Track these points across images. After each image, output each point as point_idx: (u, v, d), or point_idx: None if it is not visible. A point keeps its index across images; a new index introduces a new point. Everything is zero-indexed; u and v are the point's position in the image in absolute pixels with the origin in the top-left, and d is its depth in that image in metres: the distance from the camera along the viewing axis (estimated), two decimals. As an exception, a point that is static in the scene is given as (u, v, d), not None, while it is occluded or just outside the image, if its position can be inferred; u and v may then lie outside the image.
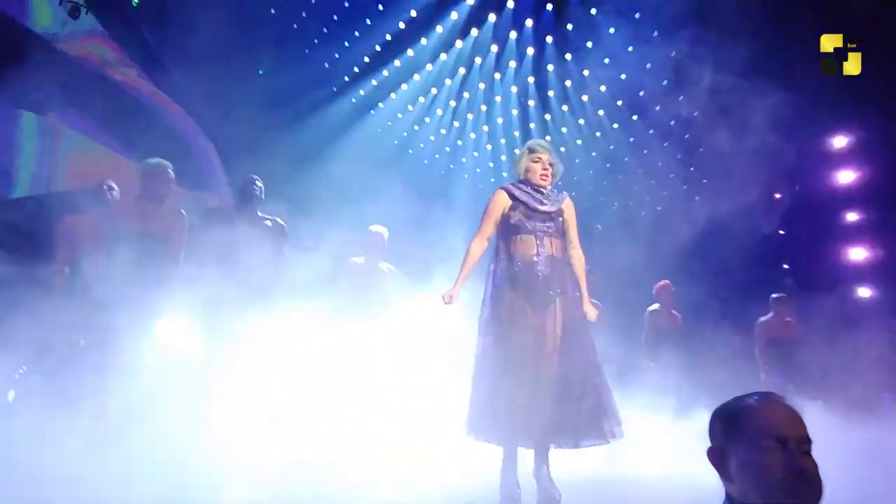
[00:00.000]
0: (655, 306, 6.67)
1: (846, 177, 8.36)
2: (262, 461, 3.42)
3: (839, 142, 8.37)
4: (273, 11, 9.56)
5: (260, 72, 9.81)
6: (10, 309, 3.67)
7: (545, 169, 3.24)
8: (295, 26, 9.79)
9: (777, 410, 1.35)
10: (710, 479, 1.44)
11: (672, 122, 10.43)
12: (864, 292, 7.97)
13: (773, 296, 6.58)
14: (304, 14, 9.60)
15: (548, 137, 11.19)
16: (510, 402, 2.92)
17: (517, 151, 3.46)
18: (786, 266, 9.04)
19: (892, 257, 7.80)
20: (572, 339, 3.07)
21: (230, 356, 4.11)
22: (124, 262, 3.71)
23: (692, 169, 10.46)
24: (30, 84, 5.26)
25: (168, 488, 2.99)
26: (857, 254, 8.18)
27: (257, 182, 4.60)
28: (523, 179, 3.29)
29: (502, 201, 3.23)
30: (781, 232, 9.22)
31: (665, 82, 9.97)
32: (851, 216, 8.35)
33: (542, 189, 3.24)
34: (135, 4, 6.78)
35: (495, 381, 2.98)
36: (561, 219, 3.23)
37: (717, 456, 1.36)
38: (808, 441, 1.32)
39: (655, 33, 9.26)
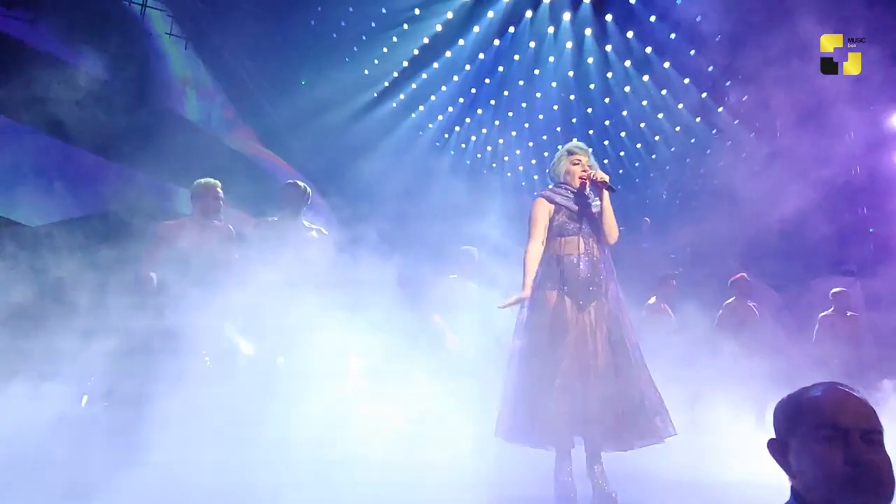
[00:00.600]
0: (731, 300, 6.41)
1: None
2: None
3: None
4: (313, 23, 9.80)
5: (303, 82, 10.07)
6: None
7: (584, 171, 3.22)
8: (335, 35, 9.99)
9: (840, 399, 1.25)
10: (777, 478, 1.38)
11: (720, 110, 10.12)
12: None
13: (833, 291, 6.36)
14: (343, 23, 9.79)
15: (590, 132, 11.06)
16: (558, 404, 2.89)
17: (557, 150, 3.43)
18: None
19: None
20: (616, 338, 3.03)
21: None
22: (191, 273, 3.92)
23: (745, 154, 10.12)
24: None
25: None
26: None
27: (301, 186, 4.67)
28: (562, 182, 3.27)
29: (544, 208, 3.22)
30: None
31: (710, 68, 9.70)
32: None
33: (583, 191, 3.23)
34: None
35: (539, 383, 2.96)
36: (601, 218, 3.20)
37: (777, 448, 1.30)
38: (878, 432, 1.21)
39: (698, 18, 9.01)
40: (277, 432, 3.78)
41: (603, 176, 3.14)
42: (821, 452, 1.19)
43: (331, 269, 4.30)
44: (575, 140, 3.45)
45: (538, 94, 11.16)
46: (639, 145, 11.54)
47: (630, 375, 2.98)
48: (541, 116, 11.61)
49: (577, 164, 3.25)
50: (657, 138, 11.16)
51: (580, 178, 3.21)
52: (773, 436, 1.33)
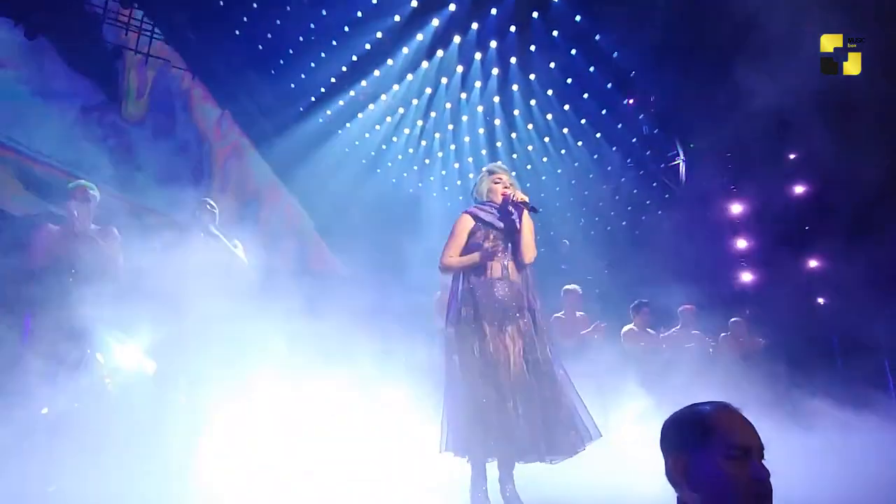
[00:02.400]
0: (675, 328, 6.83)
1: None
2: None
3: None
4: (238, 33, 9.55)
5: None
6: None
7: (506, 188, 3.33)
8: (260, 47, 9.77)
9: (739, 419, 1.38)
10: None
11: (634, 140, 10.75)
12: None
13: (732, 320, 6.98)
14: (269, 35, 9.60)
15: (514, 155, 11.38)
16: (483, 419, 2.93)
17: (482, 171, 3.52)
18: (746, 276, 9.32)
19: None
20: (535, 356, 3.11)
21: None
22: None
23: (654, 185, 10.76)
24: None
25: None
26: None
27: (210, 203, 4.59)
28: (486, 201, 3.35)
29: (467, 223, 3.29)
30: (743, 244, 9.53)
31: (627, 101, 10.31)
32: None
33: (506, 209, 3.32)
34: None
35: (466, 398, 3.00)
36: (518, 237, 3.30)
37: (676, 465, 1.37)
38: (764, 449, 1.35)
39: (615, 54, 9.56)
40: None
41: (523, 196, 3.24)
42: (729, 468, 1.30)
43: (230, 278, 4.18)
44: (496, 162, 3.57)
45: (464, 118, 11.37)
46: (559, 171, 11.99)
47: (545, 392, 3.06)
48: (467, 139, 11.83)
49: (499, 182, 3.36)
50: (576, 164, 11.64)
51: (502, 194, 3.29)
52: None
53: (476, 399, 2.98)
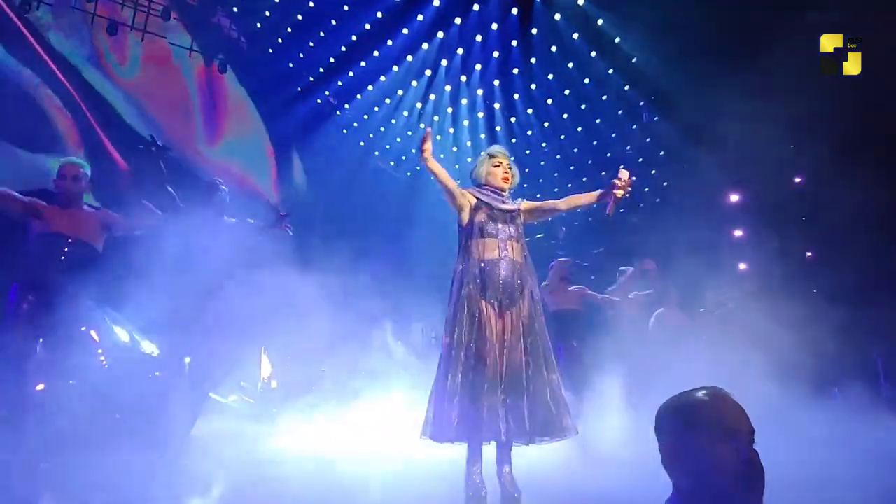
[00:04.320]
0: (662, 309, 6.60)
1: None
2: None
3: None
4: (235, 10, 9.44)
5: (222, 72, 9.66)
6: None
7: (506, 172, 3.34)
8: (258, 25, 9.66)
9: (733, 404, 1.43)
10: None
11: (634, 126, 10.70)
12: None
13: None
14: (267, 13, 9.48)
15: (513, 140, 11.33)
16: (475, 400, 2.95)
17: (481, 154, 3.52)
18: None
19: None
20: (532, 339, 3.13)
21: None
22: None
23: (653, 171, 10.73)
24: None
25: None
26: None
27: (222, 186, 4.55)
28: (484, 184, 3.36)
29: (469, 195, 3.31)
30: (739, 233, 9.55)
31: (626, 87, 10.24)
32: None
33: (502, 191, 3.33)
34: None
35: (460, 380, 3.01)
36: (520, 220, 3.32)
37: (669, 451, 1.41)
38: (754, 433, 1.41)
39: (617, 39, 9.49)
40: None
41: (613, 206, 3.38)
42: (720, 452, 1.35)
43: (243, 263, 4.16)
44: (496, 145, 3.57)
45: (464, 101, 11.31)
46: (558, 156, 11.96)
47: (541, 376, 3.09)
48: (465, 123, 11.77)
49: (499, 165, 3.37)
50: (575, 150, 11.60)
51: (615, 193, 3.30)
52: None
53: (469, 381, 3.00)
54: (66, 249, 3.76)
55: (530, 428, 2.98)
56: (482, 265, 3.16)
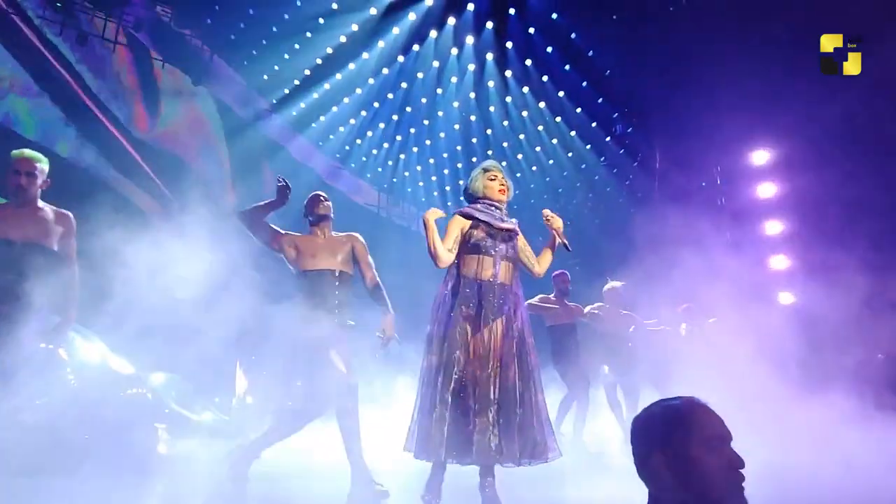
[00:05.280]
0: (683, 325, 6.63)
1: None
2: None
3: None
4: (209, 21, 9.36)
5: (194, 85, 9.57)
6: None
7: (502, 184, 3.29)
8: (233, 37, 9.59)
9: (712, 412, 1.44)
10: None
11: (608, 139, 10.86)
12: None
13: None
14: (242, 25, 9.42)
15: (489, 152, 11.41)
16: (465, 421, 2.91)
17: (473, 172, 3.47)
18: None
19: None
20: (523, 360, 3.09)
21: None
22: None
23: (627, 182, 10.90)
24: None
25: None
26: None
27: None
28: (480, 197, 3.30)
29: (460, 221, 3.23)
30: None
31: (600, 100, 10.41)
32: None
33: (500, 206, 3.29)
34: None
35: (449, 399, 2.97)
36: (516, 240, 3.26)
37: (654, 461, 1.39)
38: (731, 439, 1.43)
39: (591, 53, 9.65)
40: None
41: (563, 238, 3.26)
42: (711, 458, 1.37)
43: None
44: (489, 160, 3.54)
45: (440, 113, 11.35)
46: (534, 168, 12.07)
47: (531, 397, 3.06)
48: (442, 135, 11.81)
49: (494, 179, 3.32)
50: (551, 162, 11.73)
51: (554, 228, 3.28)
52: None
53: (459, 402, 2.95)
54: (18, 254, 3.34)
55: (520, 450, 2.95)
56: (477, 284, 3.11)
